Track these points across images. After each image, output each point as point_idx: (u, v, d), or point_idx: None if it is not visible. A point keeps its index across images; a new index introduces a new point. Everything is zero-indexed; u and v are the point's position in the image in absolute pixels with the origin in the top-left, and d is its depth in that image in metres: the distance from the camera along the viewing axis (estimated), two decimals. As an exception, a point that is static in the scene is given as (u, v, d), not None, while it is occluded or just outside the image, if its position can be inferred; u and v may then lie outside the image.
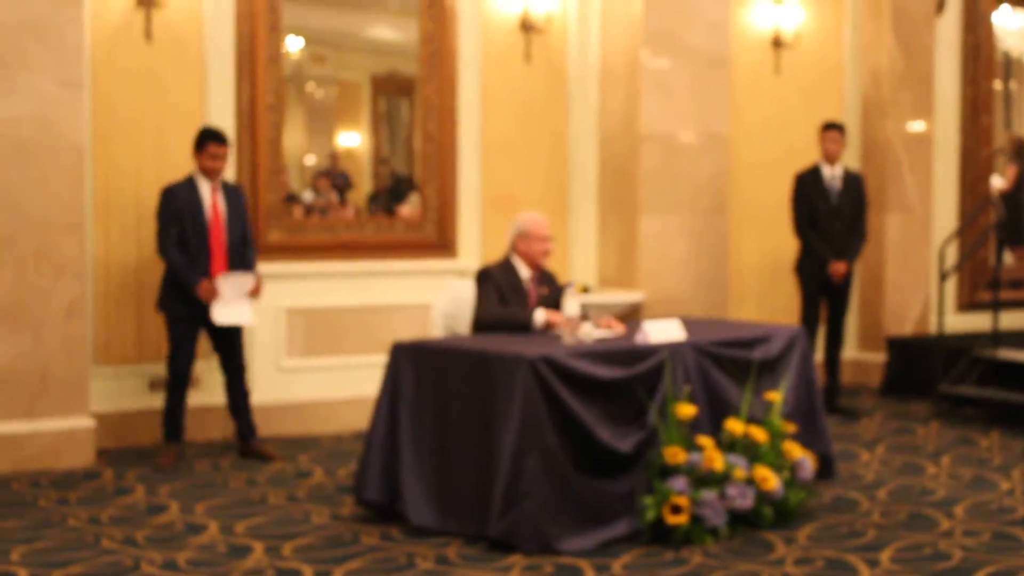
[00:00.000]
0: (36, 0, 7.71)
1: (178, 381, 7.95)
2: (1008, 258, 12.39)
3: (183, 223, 7.82)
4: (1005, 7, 11.88)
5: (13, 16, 7.66)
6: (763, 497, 6.33)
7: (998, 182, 12.17)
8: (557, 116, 9.88)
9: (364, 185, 9.60)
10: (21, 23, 7.68)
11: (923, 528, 6.42)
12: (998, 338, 9.99)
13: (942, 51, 11.37)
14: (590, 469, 6.15)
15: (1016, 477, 7.60)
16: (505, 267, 7.11)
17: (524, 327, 6.88)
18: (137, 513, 6.73)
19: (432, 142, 9.35)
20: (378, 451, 6.48)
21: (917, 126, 11.05)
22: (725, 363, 6.73)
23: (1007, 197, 12.09)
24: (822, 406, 7.36)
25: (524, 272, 7.12)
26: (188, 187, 7.90)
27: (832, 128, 9.76)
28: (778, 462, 6.51)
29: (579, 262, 9.97)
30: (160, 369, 8.17)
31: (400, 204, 9.47)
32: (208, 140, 7.92)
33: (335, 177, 9.38)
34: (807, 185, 9.69)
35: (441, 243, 9.39)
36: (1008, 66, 12.52)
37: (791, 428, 6.73)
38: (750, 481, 6.29)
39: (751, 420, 6.57)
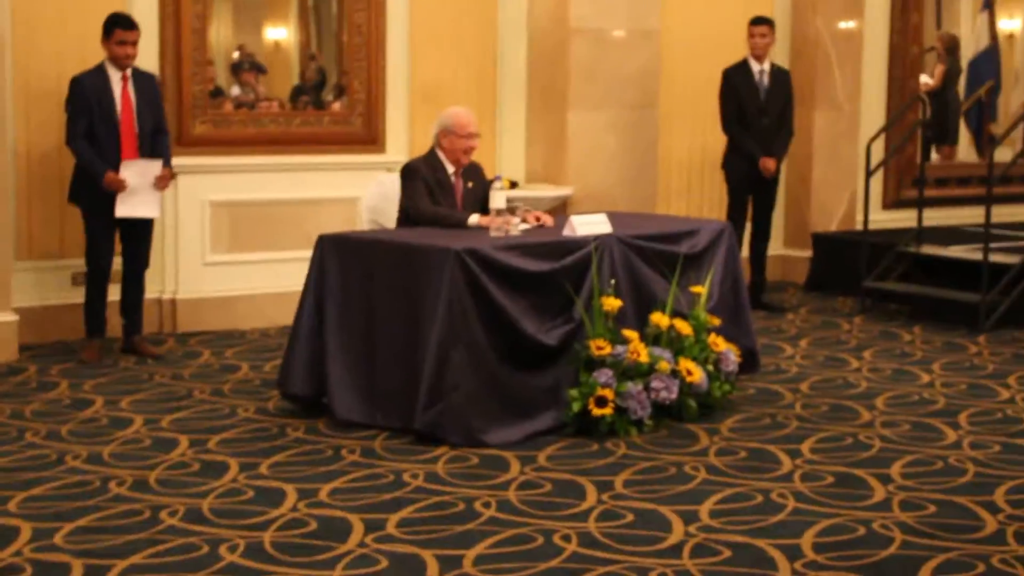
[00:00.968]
0: None
1: (97, 275, 7.86)
2: (934, 156, 12.50)
3: (92, 114, 7.67)
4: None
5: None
6: (687, 389, 6.38)
7: (926, 80, 12.22)
8: (487, 9, 9.77)
9: (292, 81, 9.48)
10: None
11: (844, 420, 6.52)
12: (922, 235, 10.08)
13: (873, -54, 11.34)
14: (516, 362, 6.17)
15: (936, 370, 7.71)
16: (430, 162, 7.03)
17: (457, 229, 6.82)
18: (61, 408, 6.70)
19: (359, 35, 9.22)
20: (303, 345, 6.47)
21: (847, 23, 11.04)
22: (651, 257, 6.74)
23: (934, 95, 12.15)
24: (747, 301, 7.39)
25: (449, 167, 7.05)
26: (97, 76, 7.73)
27: (760, 23, 9.70)
28: (703, 355, 6.56)
29: (507, 157, 9.92)
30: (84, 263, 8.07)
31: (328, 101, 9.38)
32: (115, 26, 7.74)
33: (253, 59, 9.23)
34: (735, 81, 9.65)
35: (369, 137, 9.30)
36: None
37: (716, 322, 6.77)
38: (675, 374, 6.34)
39: (676, 314, 6.60)
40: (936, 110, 12.15)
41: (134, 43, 7.78)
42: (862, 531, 4.87)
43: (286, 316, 7.83)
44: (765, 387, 7.23)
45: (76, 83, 7.71)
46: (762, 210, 9.83)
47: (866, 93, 11.33)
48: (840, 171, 11.09)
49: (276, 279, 8.85)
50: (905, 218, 11.06)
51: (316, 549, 4.65)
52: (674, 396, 6.29)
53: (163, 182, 7.81)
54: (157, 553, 4.59)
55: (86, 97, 7.65)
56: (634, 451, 5.92)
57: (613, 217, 6.92)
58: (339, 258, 6.44)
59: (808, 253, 10.96)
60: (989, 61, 12.85)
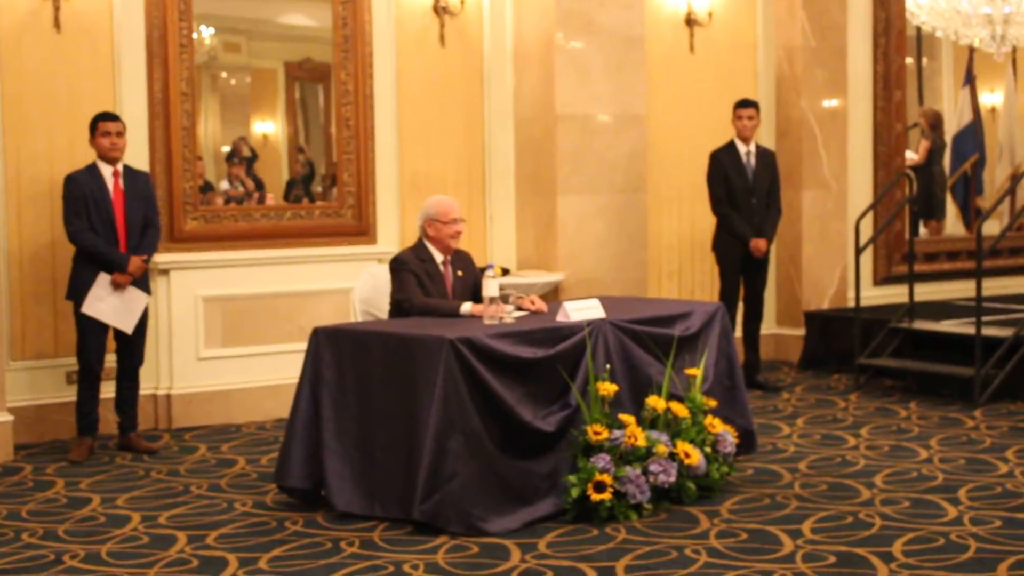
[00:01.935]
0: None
1: (88, 373, 7.86)
2: (922, 231, 12.56)
3: (88, 208, 7.73)
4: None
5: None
6: (686, 472, 6.37)
7: (911, 156, 12.31)
8: (473, 99, 9.86)
9: (281, 174, 9.53)
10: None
11: (844, 498, 6.49)
12: (914, 310, 10.10)
13: (854, 27, 11.44)
14: (513, 449, 6.15)
15: (934, 445, 7.70)
16: (418, 253, 7.06)
17: (450, 318, 6.83)
18: (58, 507, 6.66)
19: (348, 128, 9.30)
20: (300, 437, 6.45)
21: (831, 102, 11.13)
22: (645, 340, 6.74)
23: (920, 171, 12.23)
24: (742, 381, 7.39)
25: (438, 256, 7.08)
26: (90, 173, 7.82)
27: (746, 105, 9.78)
28: (700, 437, 6.55)
29: (498, 244, 9.96)
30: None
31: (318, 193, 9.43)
32: (99, 120, 7.85)
33: (242, 154, 9.27)
34: (723, 163, 9.72)
35: (359, 228, 9.34)
36: (920, 41, 12.66)
37: (712, 403, 6.77)
38: (673, 457, 6.33)
39: (672, 396, 6.60)
40: (922, 185, 12.23)
41: (119, 133, 7.86)
42: (866, 610, 4.85)
43: (281, 409, 7.85)
44: (763, 467, 7.21)
45: (71, 180, 7.78)
46: (754, 290, 9.86)
47: (852, 171, 11.39)
48: (830, 249, 11.13)
49: (270, 372, 8.85)
50: (896, 294, 11.10)
51: (318, 644, 4.62)
52: (673, 479, 6.28)
53: (120, 280, 7.81)
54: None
55: (82, 193, 7.71)
56: (634, 536, 5.90)
57: (606, 302, 6.93)
58: (334, 350, 6.44)
59: (801, 331, 10.97)
60: (972, 135, 12.94)
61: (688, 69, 10.79)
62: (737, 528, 6.00)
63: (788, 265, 11.11)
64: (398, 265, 6.98)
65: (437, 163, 9.67)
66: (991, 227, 10.98)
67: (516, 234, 10.03)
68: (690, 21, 10.74)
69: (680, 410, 6.52)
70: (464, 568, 5.47)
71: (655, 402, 6.48)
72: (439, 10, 9.62)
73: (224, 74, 9.40)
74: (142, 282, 7.94)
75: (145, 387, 8.29)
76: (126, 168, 7.94)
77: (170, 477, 7.30)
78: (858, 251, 9.97)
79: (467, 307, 6.80)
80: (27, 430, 8.14)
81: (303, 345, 6.62)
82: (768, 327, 10.78)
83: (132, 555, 5.76)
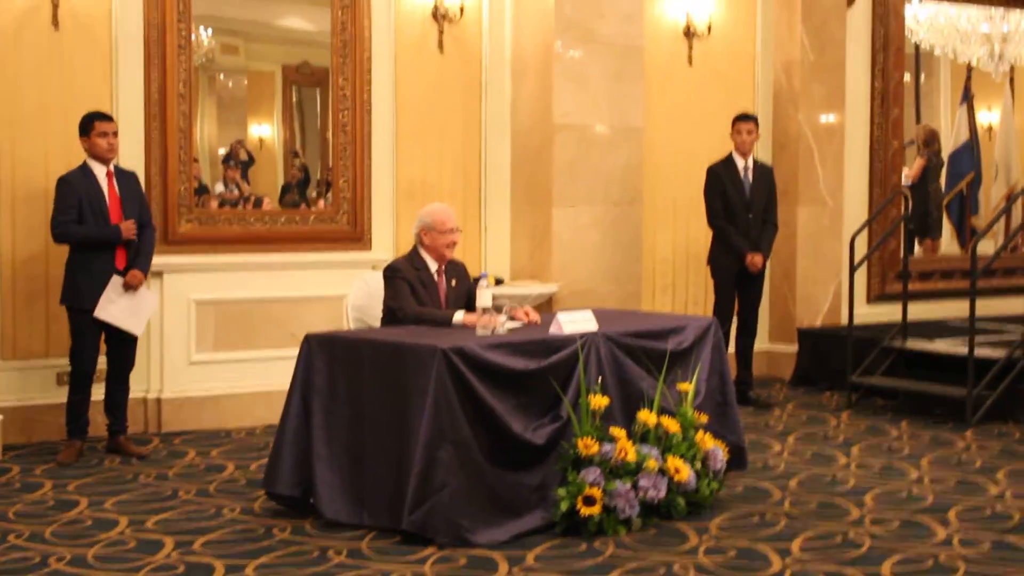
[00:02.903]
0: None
1: (81, 376, 7.84)
2: (917, 249, 12.55)
3: (81, 210, 7.70)
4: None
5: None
6: (676, 488, 6.34)
7: (907, 173, 12.30)
8: (471, 106, 9.85)
9: (277, 178, 9.51)
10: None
11: (833, 517, 6.46)
12: (907, 329, 10.09)
13: (853, 43, 11.44)
14: (503, 461, 6.13)
15: (924, 466, 7.68)
16: (413, 261, 7.05)
17: (443, 327, 6.82)
18: (45, 509, 6.63)
19: (345, 133, 9.28)
20: (290, 444, 6.42)
21: (829, 118, 11.13)
22: (638, 354, 6.73)
23: (915, 189, 12.23)
24: (734, 397, 7.38)
25: (432, 265, 7.07)
26: (83, 174, 7.78)
27: (746, 119, 9.76)
28: (690, 453, 6.52)
29: (492, 253, 9.94)
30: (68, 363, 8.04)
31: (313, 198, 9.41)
32: (94, 119, 7.80)
33: (239, 158, 9.25)
34: (720, 177, 9.70)
35: (354, 235, 9.33)
36: (918, 59, 12.66)
37: (703, 419, 6.74)
38: (663, 472, 6.30)
39: (663, 411, 6.58)
40: (917, 203, 12.23)
41: (115, 134, 7.84)
42: (855, 632, 4.83)
43: (271, 415, 7.81)
44: (753, 484, 7.18)
45: (64, 182, 7.74)
46: (748, 305, 9.84)
47: (848, 187, 11.39)
48: (824, 266, 11.12)
49: (261, 378, 8.83)
50: (890, 312, 11.09)
51: (303, 655, 4.59)
52: (662, 495, 6.25)
53: (133, 281, 7.81)
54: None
55: (75, 195, 7.67)
56: (623, 550, 5.87)
57: (599, 314, 6.92)
58: (325, 357, 6.41)
59: (794, 348, 10.96)
60: (968, 154, 12.97)
61: (686, 81, 10.79)
62: (726, 545, 5.97)
63: (782, 281, 11.10)
64: (392, 273, 6.97)
65: (433, 171, 9.65)
66: (986, 247, 10.98)
67: (511, 244, 10.01)
68: (689, 33, 10.75)
69: (671, 425, 6.50)
70: (451, 580, 5.46)
71: (646, 416, 6.45)
72: (438, 17, 9.61)
73: (221, 76, 9.37)
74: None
75: (135, 390, 8.28)
76: (117, 168, 7.91)
77: (158, 481, 7.27)
78: (852, 268, 9.96)
79: (460, 317, 6.79)
80: (16, 431, 8.12)
81: (295, 351, 6.59)
82: (761, 343, 10.75)
83: (118, 559, 5.73)
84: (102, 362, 7.99)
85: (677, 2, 10.71)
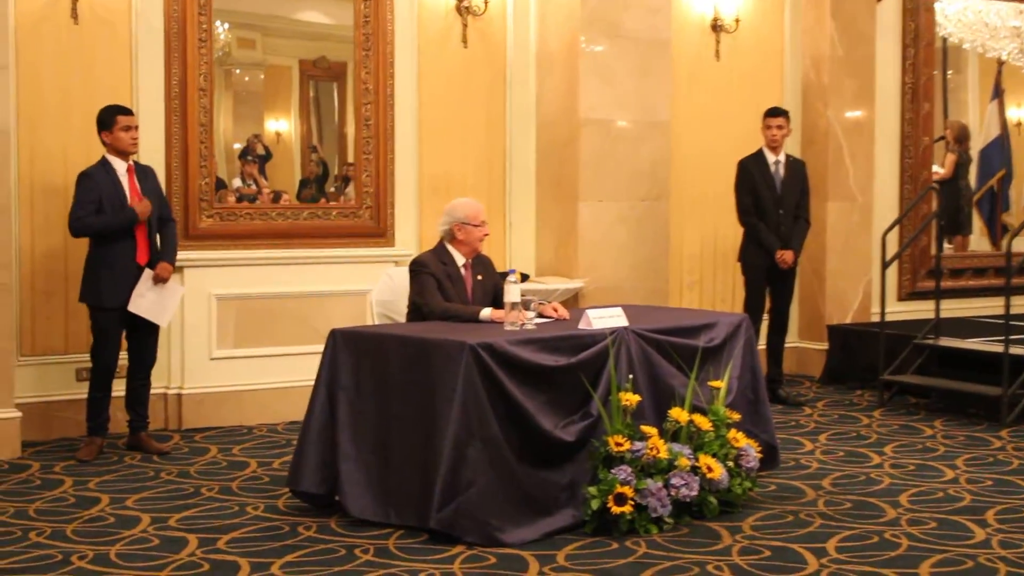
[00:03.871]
0: (-42, -20, 7.49)
1: (103, 373, 7.75)
2: (947, 246, 12.41)
3: (102, 206, 7.59)
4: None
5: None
6: (708, 486, 6.21)
7: (937, 170, 12.17)
8: (495, 101, 9.74)
9: (295, 173, 9.41)
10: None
11: (869, 517, 6.33)
12: (939, 326, 9.94)
13: (883, 38, 11.31)
14: (533, 458, 6.01)
15: (960, 465, 7.54)
16: (439, 256, 6.96)
17: (470, 323, 6.71)
18: (66, 506, 6.54)
19: (367, 127, 9.17)
20: (315, 441, 6.31)
21: (858, 113, 10.99)
22: (669, 351, 6.61)
23: (946, 185, 12.08)
24: (766, 395, 7.26)
25: (459, 259, 6.98)
26: (104, 169, 7.68)
27: (777, 114, 9.63)
28: (723, 451, 6.40)
29: (517, 249, 9.83)
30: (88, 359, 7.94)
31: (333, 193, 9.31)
32: (117, 113, 7.69)
33: (256, 152, 9.15)
34: (751, 172, 9.57)
35: (377, 230, 9.22)
36: (946, 54, 12.52)
37: (735, 417, 6.63)
38: (695, 470, 6.18)
39: (695, 409, 6.46)
40: (948, 200, 12.09)
41: (137, 128, 7.76)
42: (897, 635, 4.70)
43: (294, 411, 7.73)
44: (786, 483, 7.05)
45: (85, 177, 7.63)
46: (780, 302, 9.71)
47: (879, 183, 11.26)
48: (855, 262, 10.99)
49: (283, 374, 8.74)
50: (921, 309, 10.97)
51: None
52: (694, 493, 6.12)
53: (164, 273, 7.72)
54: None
55: (96, 190, 7.57)
56: (655, 550, 5.75)
57: (629, 310, 6.80)
58: (351, 353, 6.30)
59: (824, 345, 10.83)
60: (999, 150, 12.81)
61: (714, 75, 10.66)
62: (760, 545, 5.84)
63: (812, 278, 10.95)
64: (418, 268, 6.87)
65: (457, 165, 9.55)
66: (1019, 244, 10.82)
67: (536, 239, 9.90)
68: (716, 27, 10.62)
69: (703, 423, 6.38)
70: (480, 580, 5.34)
71: (678, 414, 6.33)
72: (462, 10, 9.50)
73: (238, 70, 9.28)
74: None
75: (156, 386, 8.19)
76: (136, 164, 7.82)
77: (180, 478, 7.18)
78: (884, 265, 9.81)
79: (487, 312, 6.69)
80: (35, 427, 8.04)
81: (317, 347, 6.50)
82: (790, 340, 10.61)
83: (142, 557, 5.63)
84: (122, 357, 7.89)
85: (704, -4, 10.62)
